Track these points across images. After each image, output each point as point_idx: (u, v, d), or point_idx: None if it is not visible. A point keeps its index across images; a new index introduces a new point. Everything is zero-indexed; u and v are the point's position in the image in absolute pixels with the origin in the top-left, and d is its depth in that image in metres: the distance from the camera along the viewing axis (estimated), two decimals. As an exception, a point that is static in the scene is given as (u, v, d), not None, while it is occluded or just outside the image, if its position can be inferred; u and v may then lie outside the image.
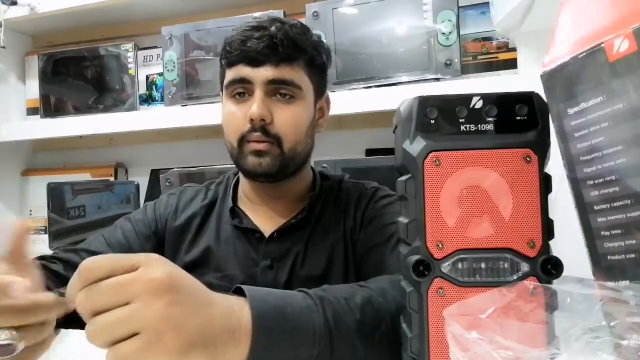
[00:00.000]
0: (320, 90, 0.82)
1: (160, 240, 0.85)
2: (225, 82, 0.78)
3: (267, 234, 0.80)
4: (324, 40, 0.84)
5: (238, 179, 0.87)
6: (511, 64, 1.27)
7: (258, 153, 0.74)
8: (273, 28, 0.73)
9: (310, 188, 0.85)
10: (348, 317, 0.47)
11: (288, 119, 0.75)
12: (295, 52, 0.74)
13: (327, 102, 0.86)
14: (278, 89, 0.75)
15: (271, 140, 0.74)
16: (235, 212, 0.83)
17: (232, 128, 0.77)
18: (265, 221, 0.82)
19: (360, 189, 0.84)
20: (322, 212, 0.82)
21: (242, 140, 0.75)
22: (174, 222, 0.85)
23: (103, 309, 0.38)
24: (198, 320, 0.40)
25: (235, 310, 0.43)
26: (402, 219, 0.42)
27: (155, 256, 0.41)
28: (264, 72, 0.74)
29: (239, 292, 0.46)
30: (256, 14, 1.32)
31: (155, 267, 0.40)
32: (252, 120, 0.73)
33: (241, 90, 0.76)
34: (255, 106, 0.73)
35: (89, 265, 0.39)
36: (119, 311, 0.38)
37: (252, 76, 0.74)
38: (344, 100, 1.19)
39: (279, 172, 0.76)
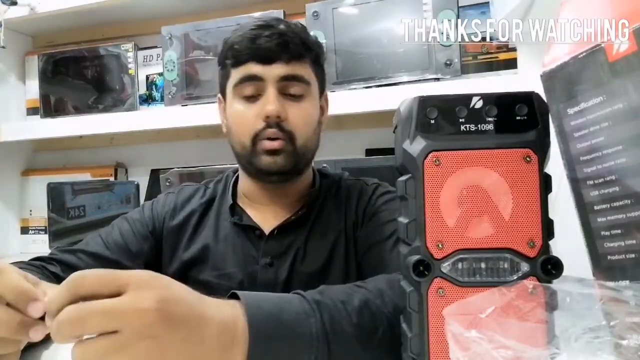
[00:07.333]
0: (322, 88, 0.84)
1: (158, 240, 0.85)
2: (234, 81, 0.77)
3: (266, 231, 0.80)
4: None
5: (237, 177, 0.87)
6: (511, 64, 1.27)
7: (272, 152, 0.74)
8: (282, 26, 0.75)
9: (311, 186, 0.86)
10: (345, 321, 0.47)
11: (300, 115, 0.76)
12: (303, 49, 0.76)
13: (326, 100, 0.87)
14: (289, 86, 0.75)
15: (285, 137, 0.75)
16: (235, 209, 0.83)
17: (244, 128, 0.76)
18: (265, 218, 0.82)
19: (361, 185, 0.85)
20: (322, 208, 0.82)
21: (256, 138, 0.75)
22: (172, 221, 0.85)
23: (88, 333, 0.37)
24: (189, 349, 0.39)
25: (229, 325, 0.43)
26: (402, 219, 0.42)
27: (144, 277, 0.40)
28: (276, 69, 0.74)
29: (235, 296, 0.46)
30: (256, 14, 1.32)
31: (145, 293, 0.38)
32: (267, 117, 0.73)
33: (251, 88, 0.76)
34: (271, 103, 0.73)
35: (77, 279, 0.38)
36: (107, 342, 0.37)
37: (263, 73, 0.74)
38: (344, 100, 1.19)
39: (291, 169, 0.77)
